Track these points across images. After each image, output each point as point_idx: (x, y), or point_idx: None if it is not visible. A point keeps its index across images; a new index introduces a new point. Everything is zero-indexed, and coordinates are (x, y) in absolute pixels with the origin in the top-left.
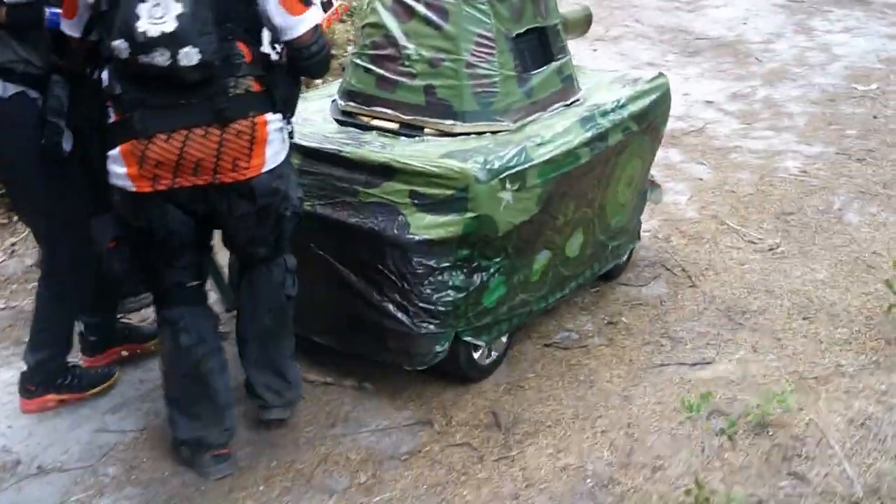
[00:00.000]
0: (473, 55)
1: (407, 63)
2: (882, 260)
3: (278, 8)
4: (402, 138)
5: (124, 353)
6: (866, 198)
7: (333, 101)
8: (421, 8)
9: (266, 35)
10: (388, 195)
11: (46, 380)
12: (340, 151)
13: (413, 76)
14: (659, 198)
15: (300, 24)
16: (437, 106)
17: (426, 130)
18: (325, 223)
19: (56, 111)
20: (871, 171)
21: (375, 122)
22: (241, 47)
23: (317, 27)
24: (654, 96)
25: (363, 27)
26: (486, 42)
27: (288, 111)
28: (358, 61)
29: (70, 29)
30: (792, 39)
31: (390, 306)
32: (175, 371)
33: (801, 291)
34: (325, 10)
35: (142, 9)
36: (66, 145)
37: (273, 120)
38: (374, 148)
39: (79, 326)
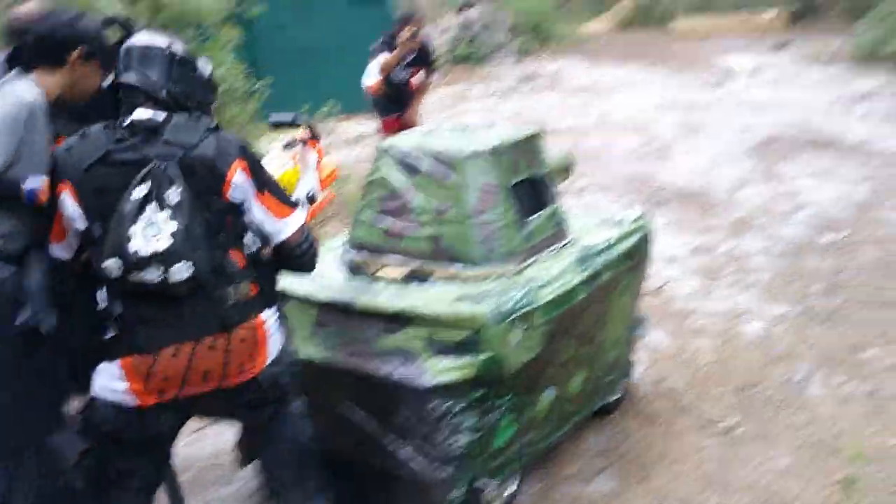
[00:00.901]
0: (477, 204)
1: (414, 214)
2: (846, 443)
3: (265, 214)
4: (412, 285)
5: None
6: (831, 366)
7: (342, 252)
8: (426, 164)
9: (250, 238)
10: (405, 342)
11: None
12: (355, 302)
13: (420, 225)
14: (645, 332)
15: (287, 227)
16: (443, 253)
17: (433, 276)
18: (343, 373)
19: (34, 288)
20: (837, 334)
21: (383, 271)
22: (235, 256)
23: (303, 226)
24: (639, 235)
25: (369, 183)
26: (488, 191)
27: (278, 299)
28: (364, 216)
29: (59, 252)
30: (758, 187)
31: (405, 454)
32: None
33: (759, 485)
34: (311, 203)
35: (134, 230)
36: (50, 322)
37: (269, 316)
38: (388, 297)
39: None
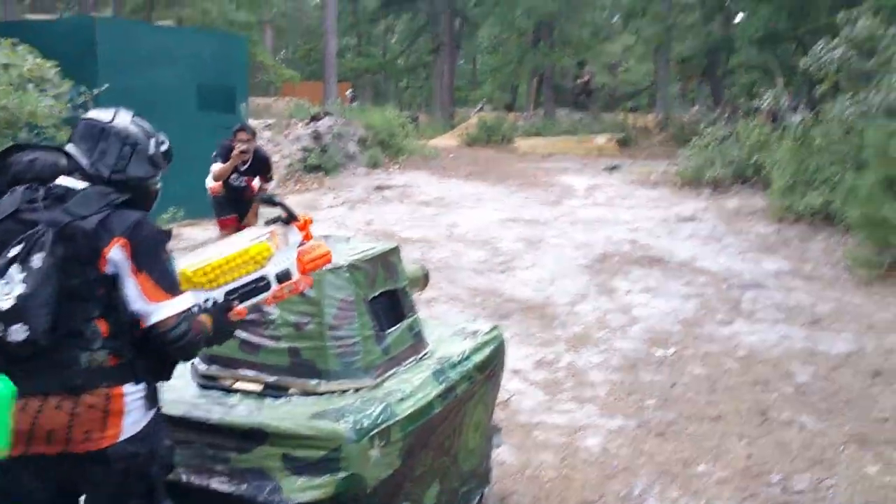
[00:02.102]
0: (336, 318)
1: (271, 327)
2: None
3: (137, 294)
4: (268, 399)
5: None
6: (666, 480)
7: (192, 364)
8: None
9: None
10: (260, 460)
11: None
12: (208, 418)
13: (278, 339)
14: (500, 441)
15: (158, 311)
16: (301, 366)
17: (291, 391)
18: (197, 493)
19: None
20: (672, 448)
21: (238, 385)
22: (100, 324)
23: (179, 314)
24: (493, 346)
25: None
26: (346, 306)
27: (158, 378)
28: None
29: None
30: (595, 301)
31: None
32: None
33: None
34: (280, 281)
35: None
36: None
37: (132, 391)
38: (243, 412)
39: None
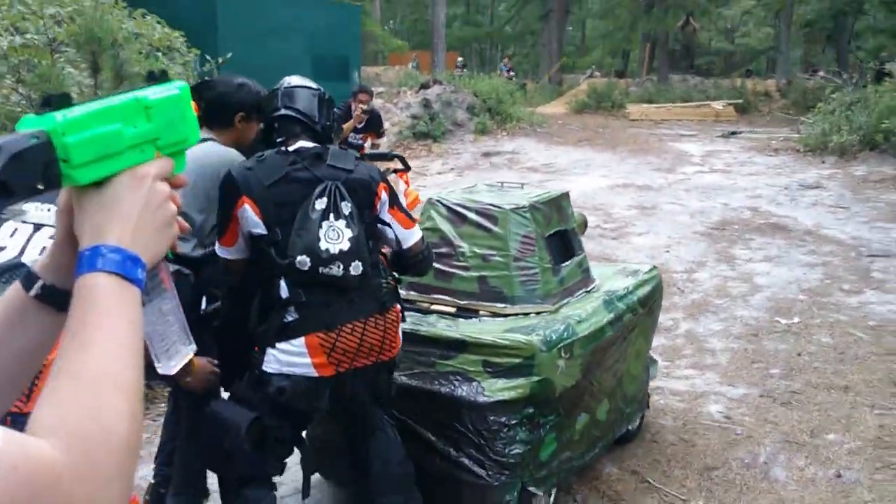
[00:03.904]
0: (519, 251)
1: (462, 259)
2: None
3: (397, 225)
4: (461, 319)
5: None
6: (793, 448)
7: None
8: (472, 215)
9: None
10: (462, 365)
11: None
12: (417, 330)
13: (468, 269)
14: (656, 373)
15: (412, 237)
16: (489, 292)
17: (481, 313)
18: (406, 391)
19: (210, 285)
20: (797, 417)
21: (434, 307)
22: (382, 258)
23: (423, 237)
24: (652, 284)
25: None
26: (528, 241)
27: None
28: None
29: (227, 254)
30: (714, 269)
31: (466, 460)
32: None
33: None
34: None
35: (321, 233)
36: (204, 305)
37: (399, 309)
38: (444, 327)
39: None
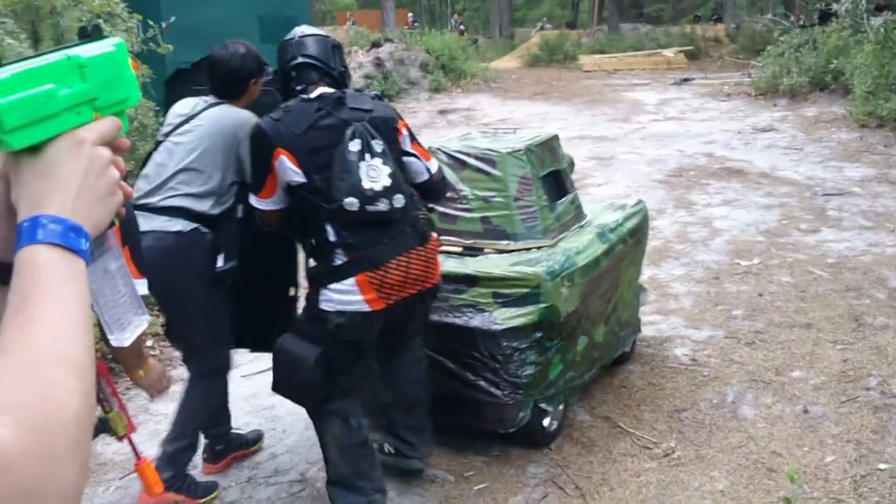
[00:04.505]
0: (518, 191)
1: (464, 201)
2: (782, 461)
3: (418, 157)
4: (467, 257)
5: (236, 458)
6: (759, 387)
7: None
8: (471, 160)
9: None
10: (474, 298)
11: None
12: None
13: (471, 210)
14: (645, 300)
15: (431, 166)
16: (492, 231)
17: (486, 250)
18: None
19: (227, 244)
20: (762, 356)
21: (442, 248)
22: (413, 189)
23: (440, 167)
24: (640, 216)
25: None
26: (525, 181)
27: None
28: None
29: (265, 205)
30: (673, 215)
31: (483, 383)
32: (347, 450)
33: None
34: None
35: (362, 173)
36: (220, 263)
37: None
38: (454, 264)
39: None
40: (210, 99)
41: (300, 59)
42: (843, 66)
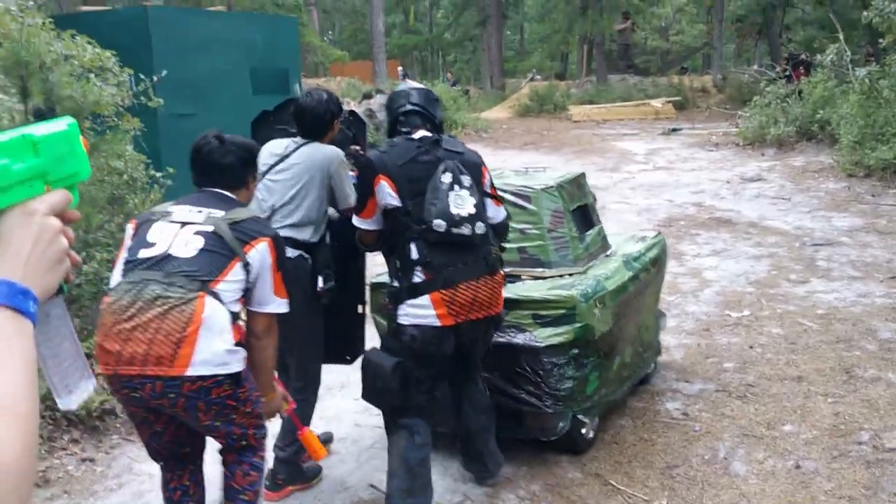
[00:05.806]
0: (551, 223)
1: None
2: None
3: (492, 205)
4: (508, 284)
5: (294, 490)
6: (751, 442)
7: None
8: (508, 196)
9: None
10: (516, 319)
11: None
12: None
13: (508, 241)
14: (664, 324)
15: (501, 213)
16: (528, 260)
17: (523, 277)
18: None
19: (324, 266)
20: (753, 410)
21: None
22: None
23: (508, 214)
24: (659, 247)
25: None
26: (557, 215)
27: None
28: None
29: (365, 225)
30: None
31: (526, 395)
32: (406, 465)
33: None
34: None
35: (450, 200)
36: (321, 284)
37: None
38: None
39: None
40: (299, 140)
41: (408, 107)
42: (830, 116)
